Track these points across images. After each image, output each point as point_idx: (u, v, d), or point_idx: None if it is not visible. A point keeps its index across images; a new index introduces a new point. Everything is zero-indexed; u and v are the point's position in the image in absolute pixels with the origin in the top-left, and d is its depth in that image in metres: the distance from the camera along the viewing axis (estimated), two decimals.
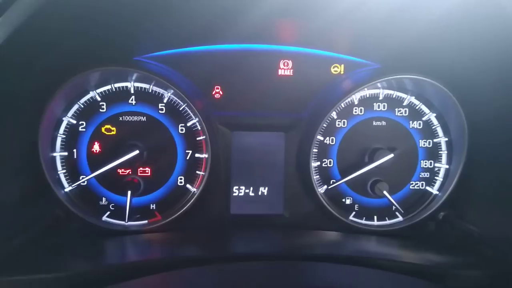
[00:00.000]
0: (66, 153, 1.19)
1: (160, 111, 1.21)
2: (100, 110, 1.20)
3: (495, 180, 1.10)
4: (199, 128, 1.21)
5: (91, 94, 1.19)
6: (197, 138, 1.22)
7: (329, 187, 1.27)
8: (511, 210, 1.02)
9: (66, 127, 1.19)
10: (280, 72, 1.26)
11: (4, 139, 0.98)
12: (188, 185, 1.24)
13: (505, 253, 0.89)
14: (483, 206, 1.14)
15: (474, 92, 1.13)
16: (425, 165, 1.29)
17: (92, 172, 1.18)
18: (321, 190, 1.26)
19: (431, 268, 0.98)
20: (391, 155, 1.21)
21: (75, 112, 1.19)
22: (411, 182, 1.29)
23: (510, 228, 1.01)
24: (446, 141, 1.26)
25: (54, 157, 1.18)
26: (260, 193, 1.27)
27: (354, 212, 1.28)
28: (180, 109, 1.21)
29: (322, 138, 1.25)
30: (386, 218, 1.28)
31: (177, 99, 1.20)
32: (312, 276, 0.94)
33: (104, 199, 1.23)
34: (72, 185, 1.19)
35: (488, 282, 0.96)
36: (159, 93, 1.20)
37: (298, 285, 0.87)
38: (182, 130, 1.22)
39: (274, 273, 0.92)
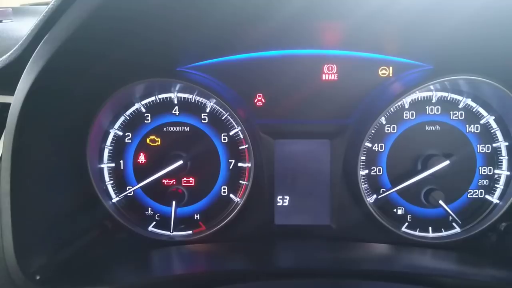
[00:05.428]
0: (113, 164, 1.21)
1: (203, 121, 1.21)
2: (145, 121, 1.21)
3: None
4: (242, 137, 1.19)
5: (136, 105, 1.20)
6: (240, 147, 1.20)
7: (379, 197, 1.20)
8: None
9: (113, 139, 1.21)
10: (324, 77, 1.21)
11: (54, 151, 1.00)
12: (231, 195, 1.22)
13: None
14: None
15: None
16: (484, 172, 1.19)
17: (138, 183, 1.20)
18: (370, 199, 1.20)
19: (496, 285, 0.90)
20: (447, 162, 1.13)
21: (121, 124, 1.21)
22: (468, 191, 1.20)
23: None
24: (506, 146, 1.16)
25: (102, 169, 1.20)
26: (305, 203, 1.23)
27: (406, 223, 1.21)
28: (223, 118, 1.20)
29: (370, 145, 1.19)
30: (442, 229, 1.20)
31: (220, 108, 1.19)
32: None
33: (149, 209, 1.24)
34: (119, 196, 1.21)
35: None
36: (201, 102, 1.20)
37: None
38: (224, 139, 1.21)
39: None
